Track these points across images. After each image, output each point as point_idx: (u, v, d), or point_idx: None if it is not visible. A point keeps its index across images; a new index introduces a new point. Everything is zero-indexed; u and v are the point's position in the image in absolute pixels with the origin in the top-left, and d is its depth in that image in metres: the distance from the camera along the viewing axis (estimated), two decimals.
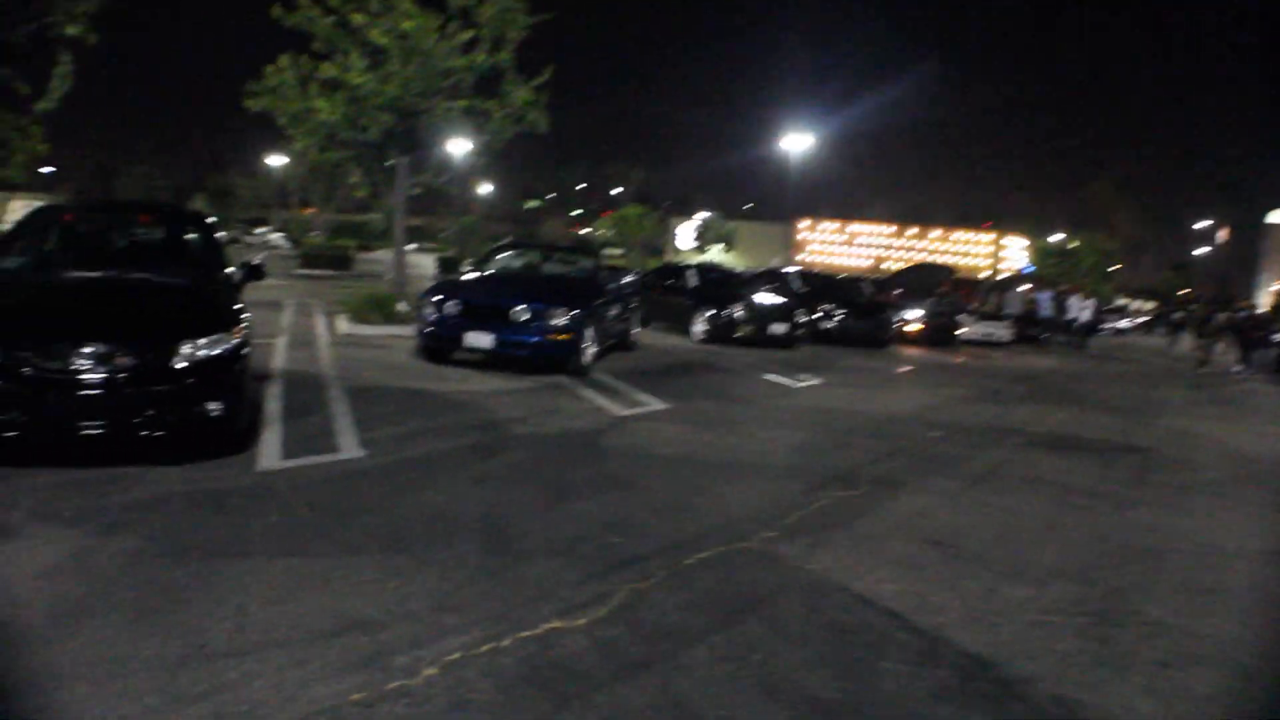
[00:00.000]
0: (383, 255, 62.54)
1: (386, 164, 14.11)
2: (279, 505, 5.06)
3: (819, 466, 7.14)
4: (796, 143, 44.86)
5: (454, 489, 5.67)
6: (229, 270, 7.16)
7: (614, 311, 12.78)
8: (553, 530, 4.99)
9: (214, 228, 7.63)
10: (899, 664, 3.66)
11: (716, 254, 68.19)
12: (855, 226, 77.64)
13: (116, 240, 7.63)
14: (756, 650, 3.66)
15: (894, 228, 76.25)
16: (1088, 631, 4.22)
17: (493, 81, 14.02)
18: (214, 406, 5.63)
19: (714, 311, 16.32)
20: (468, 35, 12.90)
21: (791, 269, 23.31)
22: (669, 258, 56.84)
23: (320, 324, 14.29)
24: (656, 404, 9.34)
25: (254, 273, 7.49)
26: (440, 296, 10.61)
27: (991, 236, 72.75)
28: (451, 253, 41.24)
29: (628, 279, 14.79)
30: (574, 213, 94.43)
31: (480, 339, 10.20)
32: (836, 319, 18.89)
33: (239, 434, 6.10)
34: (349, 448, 6.48)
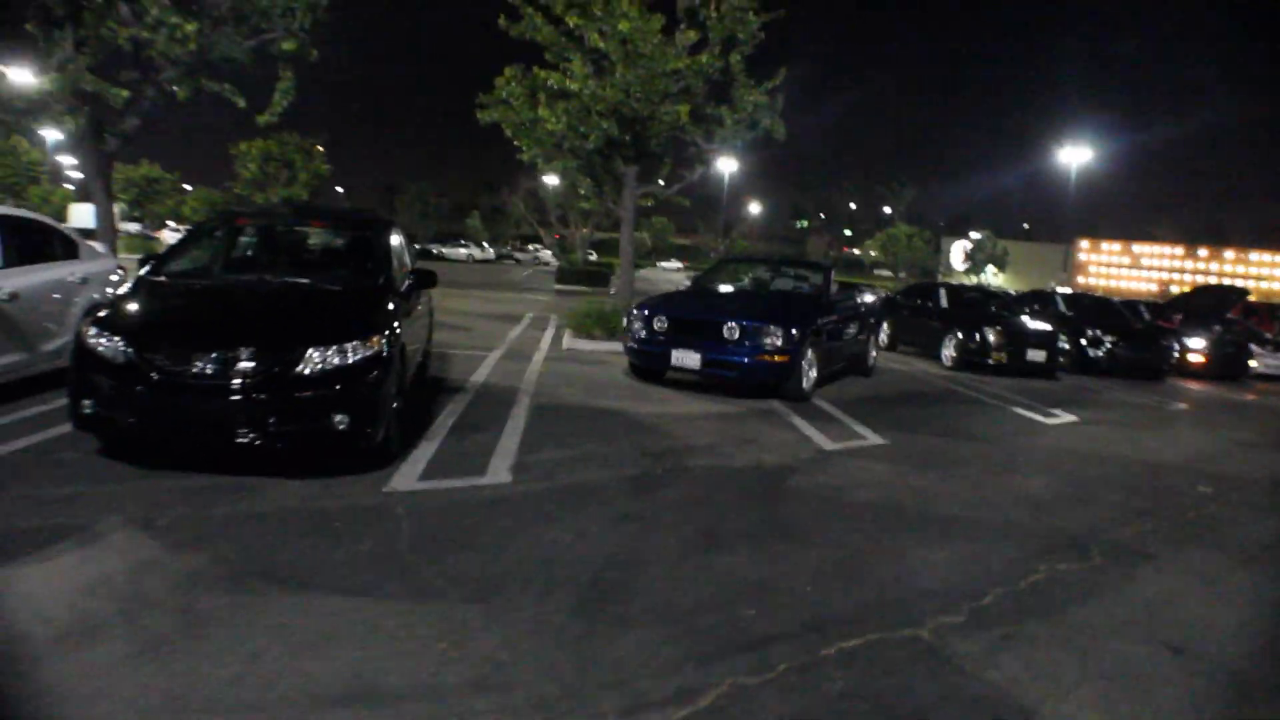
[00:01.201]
0: (647, 274, 64.13)
1: (616, 173, 13.78)
2: (381, 533, 4.54)
3: (1047, 526, 5.66)
4: (1074, 155, 41.16)
5: (587, 528, 4.91)
6: (396, 277, 6.82)
7: (848, 332, 11.60)
8: (677, 591, 4.09)
9: (386, 233, 7.35)
10: None
11: (989, 276, 63.93)
12: (1139, 247, 70.42)
13: (284, 246, 7.60)
14: None
15: (1182, 249, 68.22)
16: None
17: (725, 87, 13.32)
18: (340, 419, 5.22)
19: (963, 334, 14.54)
20: (693, 37, 12.24)
21: (1060, 290, 20.48)
22: (942, 279, 53.60)
23: (548, 338, 14.21)
24: (874, 438, 8.12)
25: (424, 280, 7.21)
26: (648, 311, 9.98)
27: None
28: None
29: (867, 298, 13.54)
30: (845, 232, 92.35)
31: (687, 357, 9.44)
32: (1106, 346, 16.28)
33: (378, 448, 5.69)
34: (498, 471, 5.92)
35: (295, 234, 7.82)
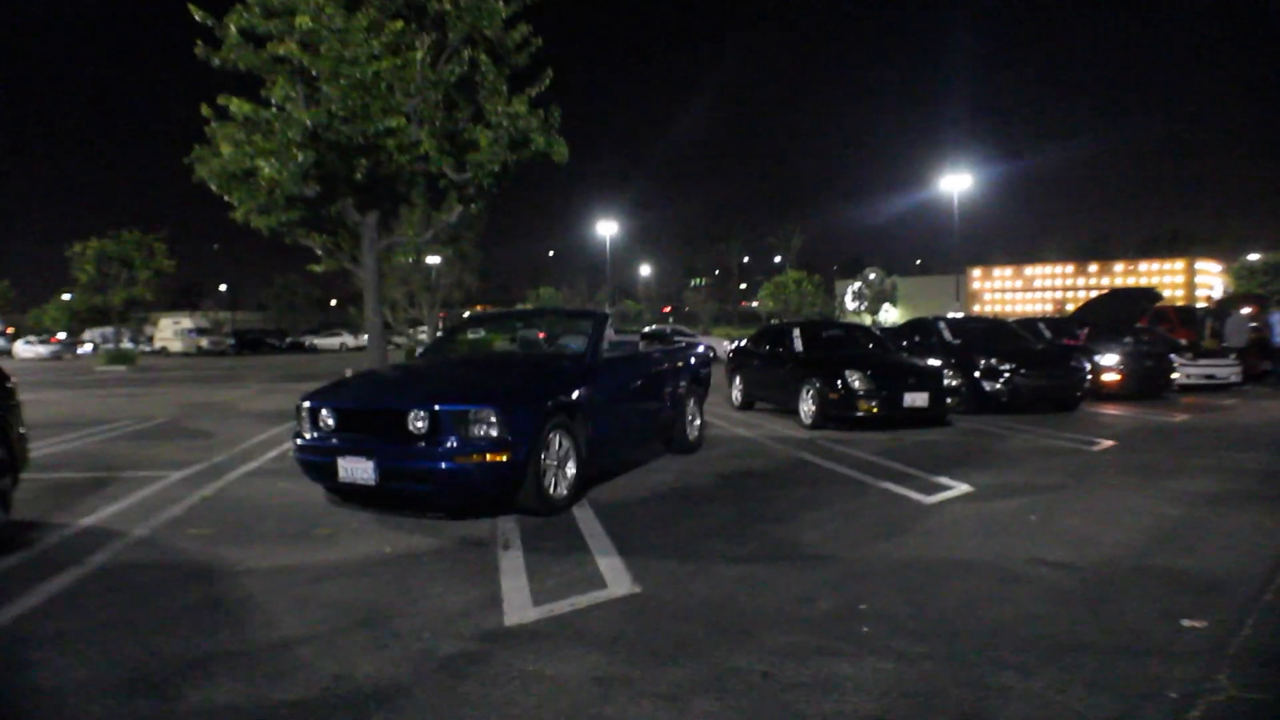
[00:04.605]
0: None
1: (350, 224, 10.61)
2: None
3: None
4: (955, 184, 40.64)
5: None
6: None
7: (643, 399, 8.58)
8: None
9: None
10: None
11: (885, 314, 63.10)
12: (1031, 269, 71.51)
13: None
14: None
15: (1072, 266, 69.27)
16: None
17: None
18: None
19: (822, 383, 11.45)
20: (398, 27, 9.18)
21: (946, 317, 17.56)
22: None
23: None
24: (619, 585, 4.83)
25: None
26: (312, 402, 6.73)
27: (1181, 264, 64.57)
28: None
29: (697, 348, 10.52)
30: (741, 286, 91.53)
31: (357, 468, 6.12)
32: (1004, 376, 13.32)
33: None
34: None
35: None
